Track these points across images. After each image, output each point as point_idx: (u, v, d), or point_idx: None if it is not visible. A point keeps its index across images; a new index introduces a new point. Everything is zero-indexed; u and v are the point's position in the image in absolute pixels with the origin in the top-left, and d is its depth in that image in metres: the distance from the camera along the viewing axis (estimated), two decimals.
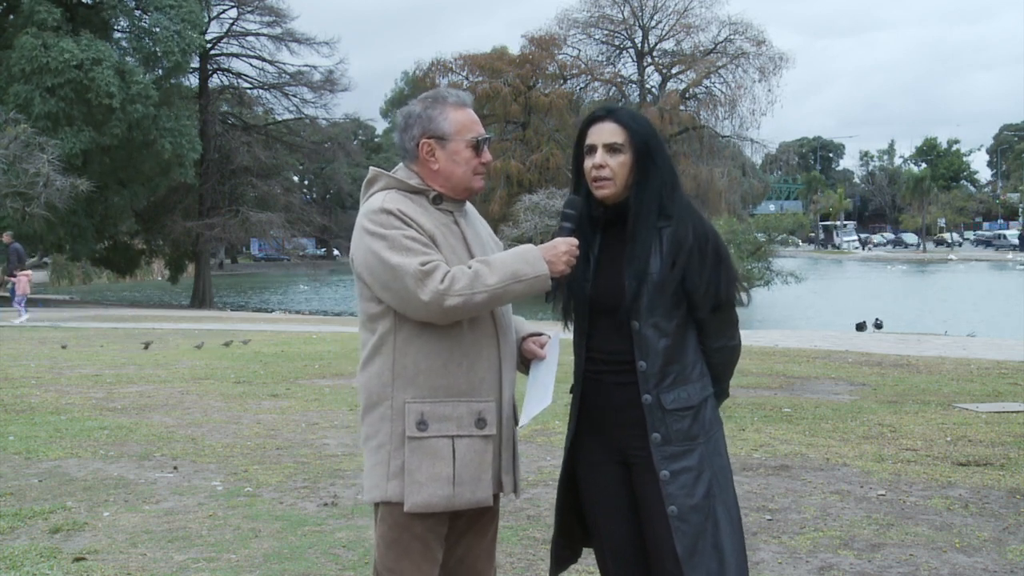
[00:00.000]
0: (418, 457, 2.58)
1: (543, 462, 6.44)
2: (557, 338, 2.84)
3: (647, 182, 2.68)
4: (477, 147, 2.72)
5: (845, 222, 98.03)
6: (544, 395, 2.70)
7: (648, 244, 2.65)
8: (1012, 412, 8.39)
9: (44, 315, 23.91)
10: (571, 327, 2.84)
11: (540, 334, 2.85)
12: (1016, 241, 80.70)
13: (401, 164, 2.78)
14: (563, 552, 2.89)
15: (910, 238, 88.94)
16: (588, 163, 2.71)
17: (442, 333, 2.59)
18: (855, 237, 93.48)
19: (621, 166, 2.67)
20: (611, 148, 2.68)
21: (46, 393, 9.76)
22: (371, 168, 2.80)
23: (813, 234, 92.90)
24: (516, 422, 2.78)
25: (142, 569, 4.33)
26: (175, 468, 6.33)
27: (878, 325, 21.33)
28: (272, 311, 34.80)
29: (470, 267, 2.56)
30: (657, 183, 2.69)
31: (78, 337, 16.90)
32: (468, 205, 2.83)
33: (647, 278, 2.63)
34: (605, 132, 2.70)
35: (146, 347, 14.50)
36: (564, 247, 2.63)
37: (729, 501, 2.68)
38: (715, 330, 2.74)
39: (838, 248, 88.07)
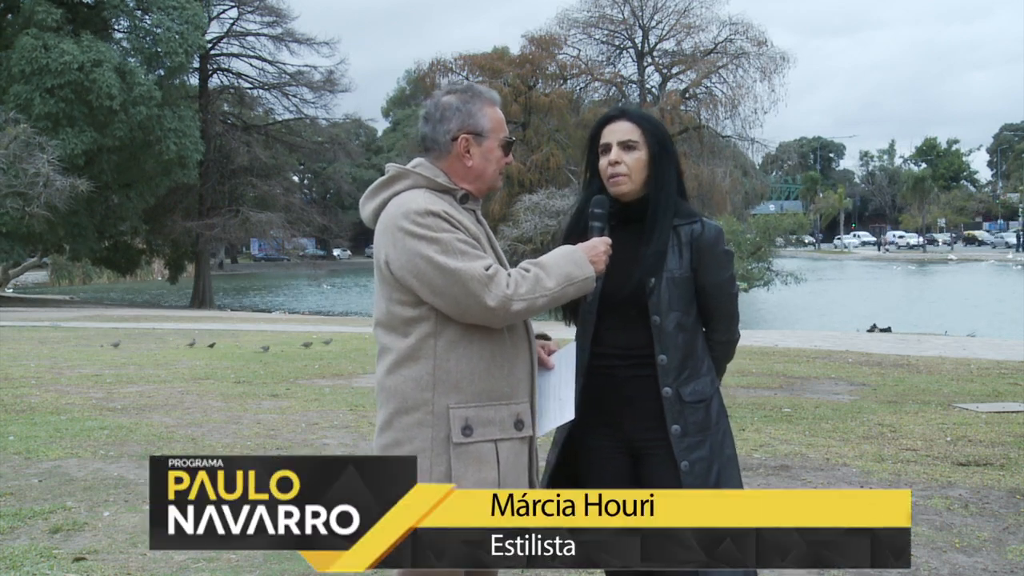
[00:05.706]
0: (463, 463, 2.52)
1: (539, 461, 6.43)
2: (572, 349, 2.79)
3: (663, 179, 2.76)
4: (507, 147, 2.68)
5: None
6: (563, 409, 2.67)
7: (666, 241, 2.72)
8: (1012, 412, 8.39)
9: (44, 315, 23.90)
10: (573, 323, 2.85)
11: (545, 336, 2.83)
12: (915, 241, 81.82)
13: (421, 160, 2.66)
14: None
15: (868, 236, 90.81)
16: (603, 161, 2.76)
17: (486, 337, 2.54)
18: None
19: (636, 163, 2.74)
20: (626, 145, 2.74)
21: (46, 393, 9.76)
22: (391, 165, 2.67)
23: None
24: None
25: (142, 569, 4.33)
26: None
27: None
28: (272, 311, 34.79)
29: (528, 270, 2.53)
30: (672, 180, 2.78)
31: (77, 337, 16.88)
32: None
33: (666, 274, 2.70)
34: (619, 131, 2.76)
35: (192, 345, 14.80)
36: (603, 247, 2.63)
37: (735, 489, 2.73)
38: (722, 324, 2.84)
39: None
